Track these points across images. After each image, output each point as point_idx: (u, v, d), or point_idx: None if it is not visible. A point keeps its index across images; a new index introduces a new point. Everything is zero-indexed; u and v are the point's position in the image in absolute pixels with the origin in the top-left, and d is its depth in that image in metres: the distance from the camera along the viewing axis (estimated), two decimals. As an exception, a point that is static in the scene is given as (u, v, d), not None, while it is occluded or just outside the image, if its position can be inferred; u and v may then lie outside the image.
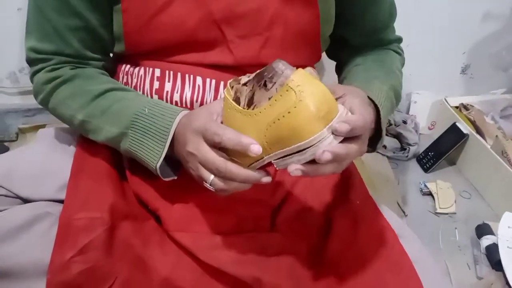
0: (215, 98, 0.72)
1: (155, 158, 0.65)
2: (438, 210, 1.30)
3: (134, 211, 0.74)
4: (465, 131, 1.42)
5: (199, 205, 0.75)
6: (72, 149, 0.78)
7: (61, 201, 0.69)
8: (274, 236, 0.76)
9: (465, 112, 1.55)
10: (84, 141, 0.76)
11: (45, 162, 0.74)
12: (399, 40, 0.88)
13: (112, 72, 0.80)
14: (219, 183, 0.59)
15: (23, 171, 0.71)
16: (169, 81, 0.72)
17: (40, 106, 0.75)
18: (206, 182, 0.60)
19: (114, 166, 0.76)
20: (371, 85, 0.72)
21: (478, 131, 1.47)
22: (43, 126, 1.45)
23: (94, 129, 0.70)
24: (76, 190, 0.69)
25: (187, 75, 0.72)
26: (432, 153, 1.49)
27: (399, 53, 0.88)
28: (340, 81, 0.86)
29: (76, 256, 0.65)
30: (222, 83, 0.72)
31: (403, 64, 0.88)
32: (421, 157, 1.52)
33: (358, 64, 0.83)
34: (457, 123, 1.45)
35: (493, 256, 1.11)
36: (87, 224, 0.66)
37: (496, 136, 1.36)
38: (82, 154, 0.75)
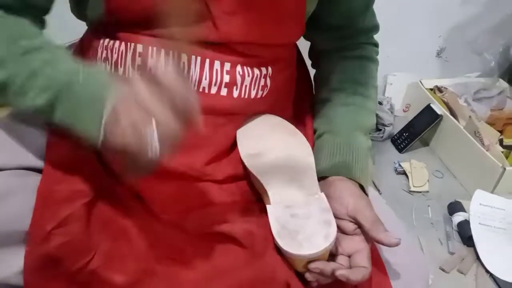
0: (201, 76, 0.70)
1: (95, 132, 0.57)
2: (412, 189, 1.32)
3: (115, 185, 0.73)
4: (439, 112, 1.44)
5: (182, 185, 0.74)
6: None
7: (38, 170, 0.67)
8: (257, 203, 0.76)
9: (439, 94, 1.57)
10: None
11: (18, 130, 0.71)
12: (376, 28, 0.86)
13: (90, 47, 0.76)
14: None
15: None
16: (152, 58, 0.70)
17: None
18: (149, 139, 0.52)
19: None
20: (355, 152, 0.75)
21: (452, 112, 1.49)
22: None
23: (17, 93, 0.60)
24: (55, 161, 0.66)
25: (171, 52, 0.69)
26: (407, 134, 1.50)
27: (374, 59, 0.87)
28: (317, 88, 0.88)
29: (56, 228, 0.63)
30: (207, 60, 0.70)
31: (377, 68, 0.88)
32: (395, 137, 1.54)
33: (335, 89, 0.83)
34: (431, 104, 1.47)
35: (464, 232, 1.14)
36: (67, 196, 0.64)
37: (470, 116, 1.39)
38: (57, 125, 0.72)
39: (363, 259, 0.65)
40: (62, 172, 0.65)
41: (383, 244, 0.64)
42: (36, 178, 0.65)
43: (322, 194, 0.70)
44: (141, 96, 0.52)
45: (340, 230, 0.68)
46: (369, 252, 0.65)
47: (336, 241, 0.68)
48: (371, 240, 0.66)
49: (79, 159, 0.68)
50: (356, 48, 0.85)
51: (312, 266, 0.63)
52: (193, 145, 0.73)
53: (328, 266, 0.64)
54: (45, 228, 0.63)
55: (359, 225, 0.66)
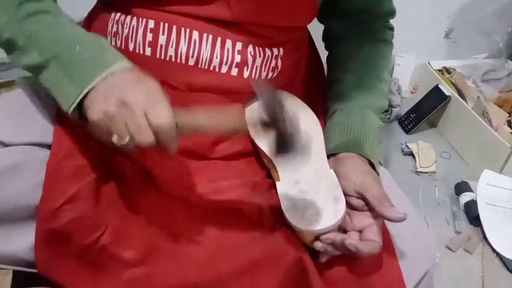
0: (212, 54, 0.69)
1: (66, 103, 0.60)
2: (419, 169, 1.31)
3: (122, 161, 0.73)
4: (447, 93, 1.43)
5: (190, 162, 0.74)
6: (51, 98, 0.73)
7: (46, 145, 0.67)
8: (266, 179, 0.76)
9: (447, 76, 1.56)
10: None
11: (25, 107, 0.71)
12: (393, 12, 0.85)
13: (99, 21, 0.75)
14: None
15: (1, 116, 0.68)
16: (163, 34, 0.68)
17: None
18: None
19: None
20: (366, 129, 0.75)
21: (460, 93, 1.48)
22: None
23: (19, 51, 0.63)
24: (63, 136, 0.67)
25: (182, 29, 0.68)
26: (414, 115, 1.50)
27: (389, 42, 0.86)
28: (330, 69, 0.87)
29: (65, 204, 0.63)
30: (219, 39, 0.69)
31: (391, 51, 0.87)
32: (403, 119, 1.53)
33: (348, 70, 0.82)
34: (439, 85, 1.46)
35: (471, 212, 1.14)
36: (75, 172, 0.64)
37: (478, 97, 1.38)
38: None
39: (373, 234, 0.65)
40: (70, 148, 0.66)
41: (389, 219, 0.64)
42: (45, 154, 0.65)
43: (331, 171, 0.70)
44: (136, 102, 0.56)
45: (351, 206, 0.68)
46: (380, 227, 0.66)
47: (347, 217, 0.68)
48: (381, 217, 0.66)
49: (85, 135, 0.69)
50: (373, 32, 0.84)
51: (324, 236, 0.64)
52: None
53: (339, 237, 0.65)
54: (53, 204, 0.63)
55: (366, 202, 0.66)
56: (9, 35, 0.62)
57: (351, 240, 0.62)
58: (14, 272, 0.70)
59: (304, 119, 0.77)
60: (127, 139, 0.56)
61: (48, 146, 0.66)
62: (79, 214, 0.65)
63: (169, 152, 0.58)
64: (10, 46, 0.63)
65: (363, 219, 0.67)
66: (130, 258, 0.72)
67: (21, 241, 0.66)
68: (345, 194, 0.68)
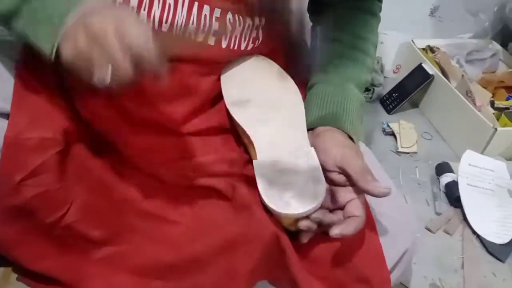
0: (187, 20, 0.65)
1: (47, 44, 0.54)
2: (400, 149, 1.30)
3: (89, 134, 0.68)
4: (430, 72, 1.40)
5: (161, 137, 0.70)
6: (11, 65, 0.67)
7: (3, 114, 0.62)
8: (243, 155, 0.72)
9: (431, 55, 1.53)
10: (28, 53, 0.67)
11: None
12: None
13: None
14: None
15: None
16: None
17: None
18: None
19: (64, 85, 0.67)
20: (347, 103, 0.71)
21: (443, 73, 1.46)
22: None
23: None
24: (23, 106, 0.61)
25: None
26: (396, 94, 1.47)
27: (377, 15, 0.83)
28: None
29: (27, 179, 0.59)
30: (196, 4, 0.64)
31: (378, 25, 0.83)
32: (385, 98, 1.51)
33: (333, 41, 0.78)
34: (423, 64, 1.43)
35: (452, 193, 1.12)
36: (37, 144, 0.59)
37: (462, 76, 1.36)
38: (26, 69, 0.65)
39: (356, 208, 0.62)
40: (32, 118, 0.60)
41: (372, 194, 0.62)
42: (3, 123, 0.60)
43: (312, 149, 0.67)
44: (104, 27, 0.50)
45: (332, 182, 0.65)
46: (363, 201, 0.63)
47: (330, 194, 0.65)
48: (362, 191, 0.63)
49: (50, 104, 0.63)
50: (360, 3, 0.80)
51: (314, 216, 0.61)
52: (173, 95, 0.69)
53: (327, 217, 0.62)
54: (14, 179, 0.59)
55: (348, 176, 0.63)
56: None
57: (335, 230, 0.59)
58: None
59: (283, 90, 0.73)
60: (107, 75, 0.50)
61: (6, 115, 0.61)
62: (43, 189, 0.61)
63: (159, 80, 0.52)
64: None
65: (346, 194, 0.64)
66: (100, 237, 0.68)
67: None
68: (326, 170, 0.65)
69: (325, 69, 0.76)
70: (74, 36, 0.51)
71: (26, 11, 0.55)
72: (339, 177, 0.64)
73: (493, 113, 1.30)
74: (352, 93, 0.74)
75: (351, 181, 0.64)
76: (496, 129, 1.18)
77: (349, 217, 0.62)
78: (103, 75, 0.50)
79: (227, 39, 0.68)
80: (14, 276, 0.73)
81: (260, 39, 0.72)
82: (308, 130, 0.71)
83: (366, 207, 0.66)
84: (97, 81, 0.50)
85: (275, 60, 0.77)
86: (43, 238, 0.66)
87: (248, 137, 0.68)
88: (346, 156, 0.64)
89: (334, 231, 0.59)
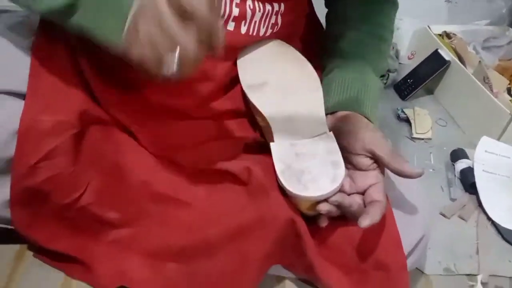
0: None
1: (116, 39, 0.51)
2: (414, 135, 1.28)
3: (104, 118, 0.69)
4: (447, 58, 1.38)
5: (176, 121, 0.70)
6: (29, 43, 0.67)
7: (20, 95, 0.62)
8: (259, 139, 0.72)
9: (447, 41, 1.51)
10: (44, 35, 0.67)
11: None
12: None
13: None
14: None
15: None
16: None
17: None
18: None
19: (80, 68, 0.67)
20: (367, 88, 0.71)
21: (460, 59, 1.44)
22: None
23: None
24: (39, 88, 0.62)
25: None
26: (411, 80, 1.45)
27: (394, 1, 0.82)
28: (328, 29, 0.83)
29: (42, 161, 0.60)
30: None
31: (395, 12, 0.83)
32: (399, 84, 1.49)
33: (350, 27, 0.78)
34: (439, 50, 1.41)
35: (467, 179, 1.11)
36: (52, 127, 0.60)
37: (479, 62, 1.34)
38: (42, 51, 0.66)
39: (378, 193, 0.62)
40: (47, 100, 0.61)
41: (405, 175, 0.63)
42: (19, 104, 0.60)
43: (331, 133, 0.66)
44: (166, 15, 0.45)
45: (355, 166, 0.65)
46: (383, 186, 0.63)
47: (350, 179, 0.65)
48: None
49: (66, 87, 0.64)
50: None
51: (333, 199, 0.61)
52: (189, 80, 0.69)
53: (346, 200, 0.62)
54: (29, 161, 0.59)
55: (377, 158, 0.63)
56: None
57: (365, 222, 0.59)
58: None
59: (301, 74, 0.73)
60: (173, 63, 0.46)
61: (22, 96, 0.61)
62: (57, 171, 0.61)
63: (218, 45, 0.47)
64: None
65: (367, 179, 0.64)
66: (113, 219, 0.69)
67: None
68: (352, 153, 0.65)
69: (343, 56, 0.76)
70: (135, 26, 0.48)
71: (85, 4, 0.52)
72: (364, 161, 0.64)
73: (510, 100, 1.29)
74: (371, 79, 0.74)
75: (380, 163, 0.63)
76: (513, 115, 1.17)
77: (371, 202, 0.62)
78: (170, 62, 0.46)
79: (247, 25, 0.68)
80: (29, 253, 0.74)
81: (279, 25, 0.71)
82: (327, 114, 0.70)
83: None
84: (165, 71, 0.47)
85: (292, 45, 0.76)
86: (57, 219, 0.67)
87: (264, 119, 0.68)
88: (375, 139, 0.64)
89: (365, 222, 0.59)
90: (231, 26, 0.67)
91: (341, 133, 0.66)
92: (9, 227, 0.67)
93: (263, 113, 0.68)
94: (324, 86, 0.73)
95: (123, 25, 0.49)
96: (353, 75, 0.73)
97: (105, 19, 0.52)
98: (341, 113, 0.70)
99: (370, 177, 0.64)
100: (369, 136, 0.64)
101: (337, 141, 0.65)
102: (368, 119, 0.69)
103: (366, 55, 0.76)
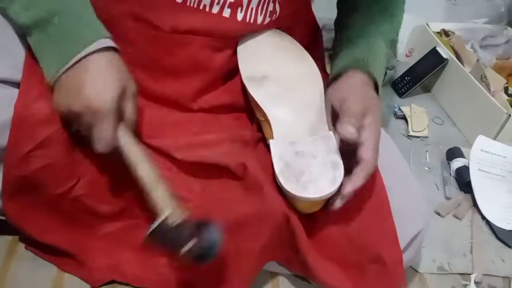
0: None
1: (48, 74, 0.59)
2: (411, 133, 1.28)
3: None
4: (445, 56, 1.38)
5: (171, 112, 0.70)
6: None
7: (14, 83, 0.61)
8: (256, 134, 0.72)
9: (445, 38, 1.50)
10: None
11: None
12: None
13: None
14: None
15: None
16: None
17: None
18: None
19: None
20: (372, 47, 0.71)
21: (458, 57, 1.44)
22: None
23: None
24: (34, 77, 0.61)
25: None
26: (409, 78, 1.45)
27: None
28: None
29: (36, 150, 0.59)
30: None
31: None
32: (397, 81, 1.49)
33: (359, 9, 0.77)
34: (437, 48, 1.41)
35: (462, 178, 1.11)
36: (47, 116, 0.59)
37: (477, 60, 1.33)
38: None
39: (365, 151, 0.62)
40: (42, 89, 0.60)
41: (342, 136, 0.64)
42: (13, 92, 0.59)
43: (331, 133, 0.65)
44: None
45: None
46: (373, 142, 0.63)
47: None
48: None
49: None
50: None
51: (348, 191, 0.61)
52: (185, 69, 0.68)
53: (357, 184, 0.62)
54: (22, 149, 0.59)
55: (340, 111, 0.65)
56: None
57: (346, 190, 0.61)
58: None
59: (303, 69, 0.72)
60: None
61: (17, 85, 0.60)
62: (51, 160, 0.60)
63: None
64: None
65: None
66: (106, 212, 0.68)
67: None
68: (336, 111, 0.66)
69: (351, 27, 0.76)
70: (67, 95, 0.58)
71: (41, 31, 0.58)
72: (349, 128, 0.63)
73: (507, 99, 1.28)
74: (379, 46, 0.73)
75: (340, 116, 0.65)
76: (510, 115, 1.17)
77: (357, 162, 0.62)
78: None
79: (243, 12, 0.66)
80: (21, 245, 0.73)
81: (278, 13, 0.70)
82: (334, 78, 0.70)
83: (381, 189, 0.66)
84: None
85: (291, 36, 0.76)
86: (50, 211, 0.66)
87: (264, 114, 0.67)
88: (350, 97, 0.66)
89: (337, 204, 0.61)
90: (226, 12, 0.65)
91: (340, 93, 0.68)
92: (2, 217, 0.66)
93: (263, 108, 0.67)
94: (332, 56, 0.74)
95: (60, 67, 0.57)
96: (362, 40, 0.72)
97: (49, 52, 0.59)
98: (345, 75, 0.70)
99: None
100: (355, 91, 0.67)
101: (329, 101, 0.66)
102: (374, 79, 0.70)
103: (376, 27, 0.75)
